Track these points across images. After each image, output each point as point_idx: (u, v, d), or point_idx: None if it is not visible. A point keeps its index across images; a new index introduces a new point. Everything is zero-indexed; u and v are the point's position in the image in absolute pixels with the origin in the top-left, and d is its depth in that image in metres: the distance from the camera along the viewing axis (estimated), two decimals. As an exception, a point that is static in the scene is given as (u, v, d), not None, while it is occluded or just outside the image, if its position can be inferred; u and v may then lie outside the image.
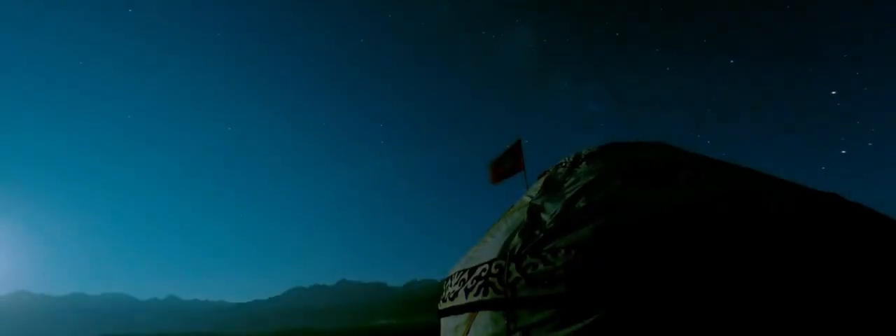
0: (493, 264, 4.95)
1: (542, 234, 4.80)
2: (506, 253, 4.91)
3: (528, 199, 6.07)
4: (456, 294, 5.40)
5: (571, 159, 6.55)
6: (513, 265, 4.71)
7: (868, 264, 3.71)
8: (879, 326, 3.52)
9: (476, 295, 4.98)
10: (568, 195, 5.37)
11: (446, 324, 5.81)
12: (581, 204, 5.01)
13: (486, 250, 5.35)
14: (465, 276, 5.35)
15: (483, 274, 5.01)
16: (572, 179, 5.82)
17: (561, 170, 6.46)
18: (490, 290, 4.80)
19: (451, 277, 5.90)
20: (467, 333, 5.16)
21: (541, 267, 4.44)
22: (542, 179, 6.56)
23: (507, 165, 8.36)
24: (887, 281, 3.66)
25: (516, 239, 5.00)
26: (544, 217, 5.16)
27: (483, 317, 4.92)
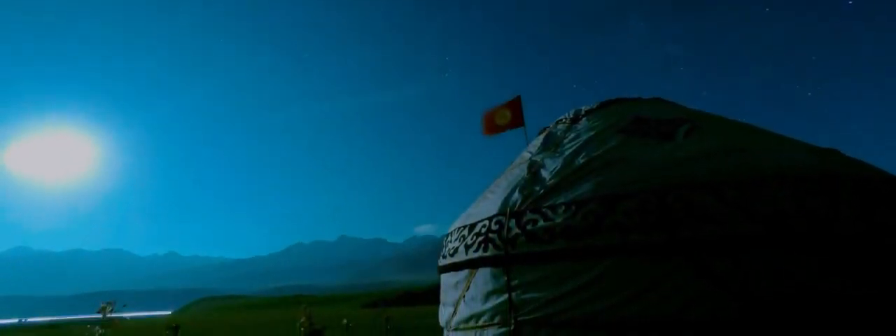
0: (493, 220, 4.97)
1: (542, 191, 4.81)
2: (506, 209, 4.92)
3: (528, 156, 6.06)
4: (456, 250, 5.42)
5: (571, 115, 6.52)
6: (513, 221, 4.73)
7: (864, 216, 3.72)
8: (869, 274, 3.54)
9: (476, 251, 5.01)
10: (568, 151, 5.36)
11: (446, 280, 5.85)
12: (581, 160, 5.00)
13: (487, 206, 5.36)
14: (466, 232, 5.38)
15: (483, 230, 5.03)
16: (572, 135, 5.81)
17: (561, 126, 6.44)
18: (490, 246, 4.83)
19: (451, 234, 5.92)
20: (468, 290, 5.20)
21: (541, 223, 4.46)
22: (543, 135, 6.54)
23: (504, 120, 8.32)
24: (880, 234, 3.67)
25: (516, 195, 5.01)
26: (544, 173, 5.16)
27: (483, 273, 4.95)
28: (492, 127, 8.54)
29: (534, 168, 5.41)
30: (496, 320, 4.72)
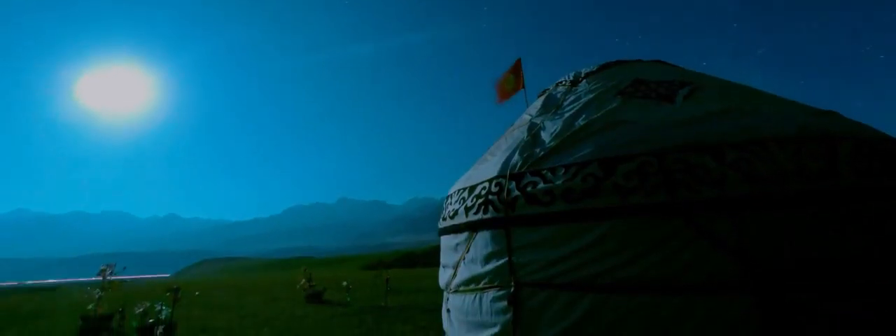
0: (493, 183, 4.98)
1: (542, 153, 4.80)
2: (506, 171, 4.92)
3: (528, 118, 6.06)
4: (456, 212, 5.44)
5: (571, 77, 6.52)
6: (513, 183, 4.73)
7: (863, 177, 3.72)
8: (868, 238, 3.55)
9: (476, 213, 5.02)
10: (568, 113, 5.36)
11: (446, 242, 5.88)
12: (581, 122, 4.99)
13: (487, 168, 5.36)
14: (466, 194, 5.39)
15: (483, 192, 5.04)
16: (572, 97, 5.81)
17: (561, 88, 6.43)
18: (490, 208, 4.84)
19: (451, 196, 5.94)
20: (468, 252, 5.22)
21: (541, 185, 4.46)
22: (543, 97, 6.54)
23: (510, 84, 8.38)
24: (879, 195, 3.68)
25: (516, 157, 5.01)
26: (544, 135, 5.15)
27: (483, 235, 4.97)
28: (503, 94, 8.61)
29: (534, 130, 5.40)
30: (496, 282, 4.75)
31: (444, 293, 5.96)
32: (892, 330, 3.37)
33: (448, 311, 5.70)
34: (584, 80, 6.26)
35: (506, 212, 4.68)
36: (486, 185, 5.08)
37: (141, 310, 10.61)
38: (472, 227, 5.15)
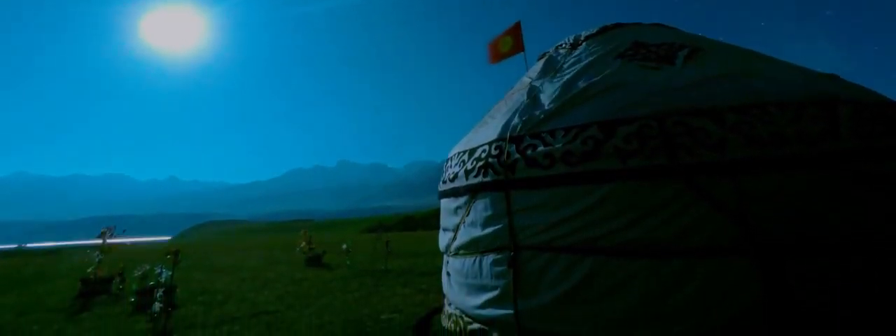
0: (493, 145, 4.96)
1: (541, 115, 4.78)
2: (506, 134, 4.90)
3: (528, 81, 6.03)
4: (456, 175, 5.43)
5: (571, 41, 6.47)
6: (512, 146, 4.71)
7: (864, 140, 3.70)
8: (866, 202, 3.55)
9: (476, 176, 5.02)
10: (568, 76, 5.32)
11: (446, 205, 5.88)
12: (581, 85, 4.96)
13: (487, 131, 5.35)
14: (466, 157, 5.38)
15: (483, 155, 5.03)
16: (572, 60, 5.77)
17: (561, 51, 6.39)
18: (490, 171, 4.84)
19: (451, 159, 5.93)
20: (468, 215, 5.23)
21: (540, 148, 4.45)
22: (543, 61, 6.50)
23: (506, 46, 8.33)
24: (880, 158, 3.67)
25: (516, 120, 4.98)
26: (544, 98, 5.12)
27: (483, 198, 4.97)
28: (496, 55, 8.57)
29: (534, 93, 5.37)
30: (496, 245, 4.78)
31: (444, 256, 5.99)
32: (893, 296, 3.38)
33: (448, 274, 5.73)
34: (584, 43, 6.22)
35: (505, 175, 4.67)
36: (486, 148, 5.06)
37: (140, 273, 10.62)
38: (472, 190, 5.15)
